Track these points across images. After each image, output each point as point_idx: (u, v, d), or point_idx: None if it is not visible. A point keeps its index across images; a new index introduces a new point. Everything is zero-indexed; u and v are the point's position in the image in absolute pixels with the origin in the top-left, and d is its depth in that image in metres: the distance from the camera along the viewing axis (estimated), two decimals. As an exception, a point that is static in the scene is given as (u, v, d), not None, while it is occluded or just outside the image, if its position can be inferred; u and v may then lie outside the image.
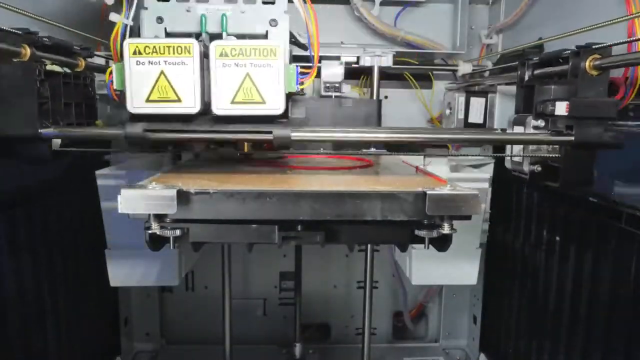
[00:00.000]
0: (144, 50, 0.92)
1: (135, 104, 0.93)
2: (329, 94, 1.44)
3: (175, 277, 1.24)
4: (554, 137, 1.04)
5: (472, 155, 1.50)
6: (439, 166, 1.31)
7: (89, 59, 1.19)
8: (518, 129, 1.17)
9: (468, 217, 0.79)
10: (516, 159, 1.21)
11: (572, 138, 1.00)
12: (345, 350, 2.01)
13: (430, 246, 0.86)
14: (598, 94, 0.99)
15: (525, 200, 1.48)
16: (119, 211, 0.75)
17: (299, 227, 0.85)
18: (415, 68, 1.78)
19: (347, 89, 1.47)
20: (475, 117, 1.61)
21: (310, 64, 1.07)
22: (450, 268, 1.25)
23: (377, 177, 1.06)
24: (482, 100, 1.61)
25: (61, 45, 1.05)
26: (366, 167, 1.16)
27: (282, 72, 0.94)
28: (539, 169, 1.15)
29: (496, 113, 1.58)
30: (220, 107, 0.94)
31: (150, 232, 0.78)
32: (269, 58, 0.93)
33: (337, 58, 1.50)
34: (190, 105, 0.94)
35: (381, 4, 1.74)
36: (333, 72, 1.43)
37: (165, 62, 0.92)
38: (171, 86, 0.93)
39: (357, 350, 1.68)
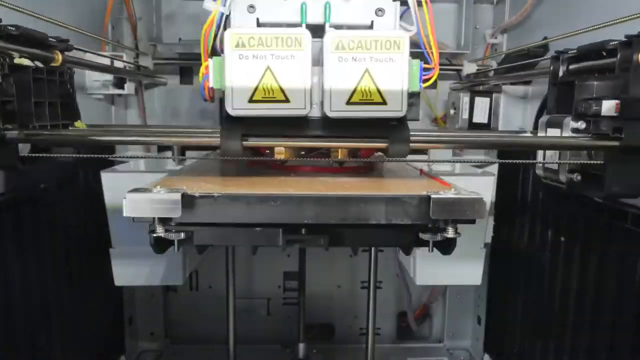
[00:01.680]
0: (249, 42, 0.80)
1: (236, 104, 0.82)
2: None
3: (180, 276, 1.25)
4: (600, 141, 0.89)
5: (489, 161, 1.43)
6: (443, 166, 1.31)
7: (68, 53, 1.06)
8: (552, 132, 1.01)
9: (472, 221, 0.79)
10: (549, 165, 1.06)
11: (621, 142, 0.86)
12: (349, 350, 2.00)
13: (435, 249, 0.86)
14: None
15: (530, 201, 1.47)
16: (124, 214, 0.75)
17: (303, 230, 0.83)
18: (419, 68, 1.77)
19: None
20: (480, 117, 1.61)
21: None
22: (455, 268, 1.24)
23: (382, 179, 1.05)
24: (487, 100, 1.60)
25: (32, 36, 0.92)
26: (371, 167, 1.16)
27: (407, 68, 0.82)
28: (579, 177, 0.98)
29: (501, 113, 1.57)
30: (335, 108, 0.83)
31: (154, 235, 0.78)
32: (392, 51, 0.81)
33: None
34: (301, 106, 0.82)
35: (385, 3, 1.73)
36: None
37: (272, 55, 0.80)
38: (278, 84, 0.81)
39: (361, 350, 1.68)
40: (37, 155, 0.93)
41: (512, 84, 1.62)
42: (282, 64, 0.81)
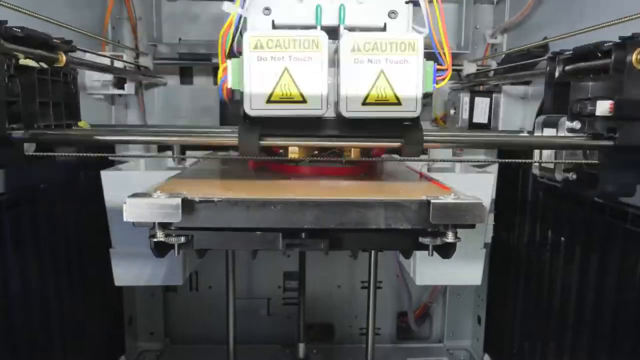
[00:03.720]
0: (267, 44, 0.82)
1: (255, 105, 0.83)
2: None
3: (180, 277, 1.25)
4: (594, 141, 0.91)
5: (490, 161, 1.45)
6: (443, 166, 1.31)
7: (72, 54, 1.08)
8: (549, 132, 1.03)
9: (472, 226, 0.79)
10: (545, 164, 1.07)
11: (615, 142, 0.87)
12: (349, 350, 2.01)
13: (434, 252, 0.86)
14: None
15: (530, 201, 1.48)
16: (124, 219, 0.75)
17: (303, 235, 0.84)
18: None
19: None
20: (480, 117, 1.61)
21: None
22: (455, 268, 1.24)
23: (381, 183, 1.05)
24: (487, 100, 1.60)
25: (36, 37, 0.93)
26: (371, 170, 1.16)
27: (421, 69, 0.84)
28: (574, 176, 1.00)
29: (501, 113, 1.57)
30: (351, 109, 0.84)
31: (155, 240, 0.78)
32: (407, 53, 0.83)
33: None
34: (317, 106, 0.84)
35: (385, 3, 1.73)
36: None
37: (290, 57, 0.82)
38: (295, 85, 0.83)
39: (361, 350, 1.68)
40: (42, 154, 0.94)
41: (512, 84, 1.62)
42: (300, 65, 0.82)
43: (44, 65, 0.96)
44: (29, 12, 0.98)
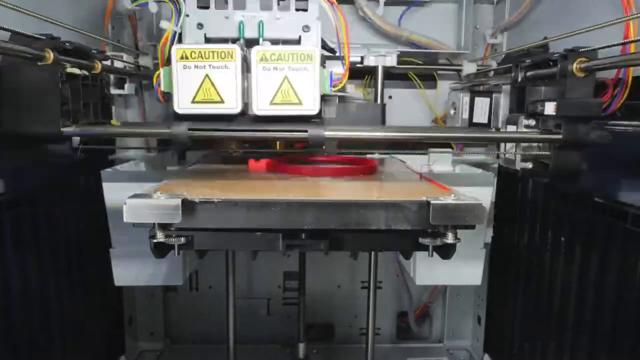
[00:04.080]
0: (190, 55, 0.98)
1: (182, 104, 0.99)
2: (333, 94, 1.44)
3: (180, 277, 1.25)
4: (543, 135, 1.10)
5: (471, 153, 1.55)
6: (443, 166, 1.31)
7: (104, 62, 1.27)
8: (511, 128, 1.25)
9: (472, 227, 0.79)
10: (509, 156, 1.32)
11: (560, 136, 1.06)
12: (349, 350, 2.01)
13: (434, 253, 0.86)
14: (585, 94, 1.05)
15: (530, 201, 1.47)
16: (124, 220, 0.75)
17: (303, 236, 0.85)
18: (419, 68, 1.78)
19: (351, 89, 1.47)
20: (480, 117, 1.61)
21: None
22: (455, 268, 1.24)
23: (381, 184, 1.06)
24: (487, 100, 1.60)
25: (80, 49, 1.12)
26: (371, 171, 1.16)
27: (318, 75, 1.00)
28: (530, 166, 1.24)
29: (501, 113, 1.57)
30: (261, 107, 1.00)
31: (155, 241, 0.78)
32: (305, 62, 0.99)
33: (335, 57, 1.50)
34: (232, 106, 0.99)
35: (385, 3, 1.73)
36: (337, 71, 1.43)
37: (210, 66, 0.98)
38: (215, 88, 0.98)
39: (361, 350, 1.68)
40: (86, 146, 1.17)
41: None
42: (218, 72, 0.98)
43: (85, 73, 1.16)
44: (29, 12, 0.98)
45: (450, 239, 0.81)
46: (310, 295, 1.73)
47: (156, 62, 1.72)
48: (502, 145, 1.32)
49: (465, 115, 1.62)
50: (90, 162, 1.21)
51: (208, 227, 0.80)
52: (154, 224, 0.78)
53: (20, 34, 0.98)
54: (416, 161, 1.32)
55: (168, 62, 1.04)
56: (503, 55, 1.68)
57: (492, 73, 1.66)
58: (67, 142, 1.07)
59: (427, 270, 1.26)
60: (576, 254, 1.22)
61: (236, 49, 0.98)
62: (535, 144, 1.20)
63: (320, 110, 1.04)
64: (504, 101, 1.61)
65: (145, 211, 0.76)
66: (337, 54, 1.17)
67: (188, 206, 0.77)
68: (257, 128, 1.04)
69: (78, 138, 1.14)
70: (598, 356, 1.14)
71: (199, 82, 0.98)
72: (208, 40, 1.15)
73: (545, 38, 1.35)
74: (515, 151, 1.26)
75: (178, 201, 0.76)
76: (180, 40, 1.13)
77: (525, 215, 1.49)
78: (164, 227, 0.79)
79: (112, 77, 1.53)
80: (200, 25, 1.15)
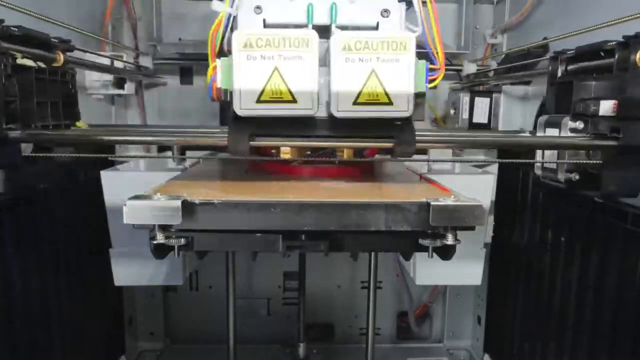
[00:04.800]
0: (256, 43, 0.81)
1: (244, 104, 0.82)
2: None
3: (180, 276, 1.25)
4: (597, 141, 0.90)
5: (489, 161, 1.47)
6: (444, 166, 1.31)
7: (70, 53, 1.07)
8: (551, 132, 1.02)
9: (472, 228, 0.79)
10: (547, 165, 1.07)
11: (618, 142, 0.87)
12: (349, 350, 2.00)
13: (434, 254, 0.86)
14: None
15: (531, 201, 1.47)
16: (124, 222, 0.75)
17: (303, 237, 0.84)
18: (419, 68, 1.77)
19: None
20: (480, 117, 1.61)
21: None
22: (455, 268, 1.24)
23: (381, 185, 1.05)
24: (487, 100, 1.60)
25: (34, 36, 0.93)
26: (371, 173, 1.16)
27: (413, 68, 0.83)
28: (577, 177, 0.99)
29: (501, 113, 1.57)
30: (342, 108, 0.83)
31: (155, 242, 0.78)
32: (398, 52, 0.82)
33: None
34: (308, 106, 0.83)
35: (385, 3, 1.73)
36: None
37: (280, 56, 0.81)
38: (286, 85, 0.82)
39: (361, 350, 1.68)
40: (38, 155, 0.95)
41: (512, 84, 1.62)
42: (290, 64, 0.81)
43: (42, 65, 0.95)
44: (28, 11, 0.98)
45: (450, 240, 0.80)
46: (310, 295, 1.72)
47: (156, 62, 1.73)
48: (539, 152, 1.07)
49: (465, 116, 1.62)
50: (90, 162, 1.21)
51: (208, 228, 0.80)
52: (154, 225, 0.77)
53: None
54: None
55: (220, 54, 0.88)
56: (503, 55, 1.68)
57: (492, 73, 1.66)
58: (14, 147, 0.89)
59: (427, 270, 1.26)
60: (576, 254, 1.22)
61: (314, 36, 0.81)
62: (583, 151, 0.98)
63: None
64: (504, 101, 1.61)
65: (145, 213, 0.75)
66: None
67: (188, 207, 0.76)
68: (338, 135, 0.86)
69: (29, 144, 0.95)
70: (598, 356, 1.14)
71: (267, 76, 0.81)
72: (267, 27, 0.93)
73: (545, 38, 1.35)
74: (558, 159, 1.03)
75: (178, 203, 0.75)
76: (232, 28, 0.91)
77: (525, 216, 1.49)
78: (164, 228, 0.78)
79: (112, 77, 1.53)
80: (258, 9, 0.93)
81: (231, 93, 0.83)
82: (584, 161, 0.96)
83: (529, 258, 1.48)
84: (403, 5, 0.94)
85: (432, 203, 0.77)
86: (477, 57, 1.79)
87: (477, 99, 1.61)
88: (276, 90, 0.82)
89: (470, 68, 1.72)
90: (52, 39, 1.00)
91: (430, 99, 1.84)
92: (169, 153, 1.31)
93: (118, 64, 1.51)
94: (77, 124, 1.09)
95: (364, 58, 0.82)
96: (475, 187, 1.13)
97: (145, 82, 1.78)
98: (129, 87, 1.59)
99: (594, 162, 0.93)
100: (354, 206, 0.79)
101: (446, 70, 1.84)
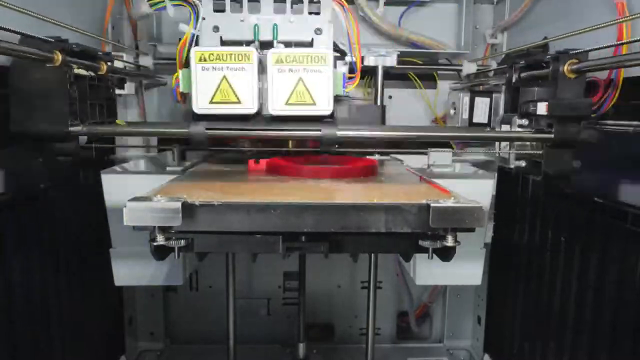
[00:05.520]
0: (209, 57, 1.02)
1: (200, 105, 1.04)
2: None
3: (180, 276, 1.25)
4: (535, 134, 1.14)
5: (471, 153, 1.59)
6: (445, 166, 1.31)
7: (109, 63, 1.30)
8: (506, 128, 1.30)
9: (472, 230, 0.79)
10: (504, 155, 1.40)
11: (552, 135, 1.09)
12: (349, 350, 2.01)
13: (434, 255, 0.86)
14: (575, 95, 1.08)
15: (530, 201, 1.47)
16: (125, 224, 0.75)
17: (303, 238, 0.85)
18: (419, 68, 1.78)
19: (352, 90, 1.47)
20: (480, 117, 1.61)
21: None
22: (455, 268, 1.23)
23: (381, 186, 1.06)
24: (487, 100, 1.61)
25: (87, 51, 1.16)
26: (371, 172, 1.16)
27: (331, 77, 1.04)
28: (523, 164, 1.30)
29: (501, 113, 1.57)
30: (276, 108, 1.05)
31: (155, 244, 0.78)
32: (319, 64, 1.03)
33: (342, 58, 1.50)
34: (249, 106, 1.04)
35: (385, 3, 1.74)
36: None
37: (227, 67, 1.02)
38: (232, 89, 1.03)
39: (361, 350, 1.68)
40: (91, 145, 1.25)
41: (512, 84, 1.62)
42: (235, 74, 1.03)
43: (92, 74, 1.20)
44: (28, 12, 0.98)
45: (450, 241, 0.81)
46: (310, 295, 1.73)
47: (156, 62, 1.73)
48: (498, 144, 1.39)
49: (465, 115, 1.62)
50: (90, 162, 1.21)
51: (208, 230, 0.80)
52: (154, 227, 0.78)
53: (30, 37, 0.98)
54: (412, 161, 1.33)
55: (186, 64, 1.08)
56: (503, 55, 1.68)
57: (492, 73, 1.67)
58: (74, 141, 1.11)
59: (427, 270, 1.26)
60: (576, 253, 1.22)
61: (253, 52, 1.02)
62: (529, 143, 1.24)
63: (334, 111, 1.08)
64: (502, 101, 1.61)
65: (145, 214, 0.76)
66: (347, 56, 1.23)
67: (188, 209, 0.77)
68: (273, 127, 1.07)
69: (85, 137, 1.18)
70: (598, 356, 1.14)
71: (217, 83, 1.02)
72: (223, 42, 1.20)
73: (545, 38, 1.35)
74: (510, 150, 1.33)
75: (178, 204, 0.75)
76: (197, 44, 1.16)
77: (524, 216, 1.49)
78: (164, 230, 0.79)
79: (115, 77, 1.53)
80: (216, 28, 1.20)
81: (189, 96, 1.04)
82: (530, 151, 1.24)
83: (528, 258, 1.48)
84: (331, 26, 1.21)
85: (432, 205, 0.77)
86: (477, 57, 1.79)
87: (477, 99, 1.61)
88: (225, 93, 1.03)
89: (470, 68, 1.72)
90: (99, 52, 1.25)
91: (430, 99, 1.84)
92: (169, 154, 1.32)
93: (118, 64, 1.50)
94: (117, 121, 1.34)
95: (293, 69, 1.04)
96: (475, 187, 1.14)
97: (145, 82, 1.78)
98: (129, 87, 1.59)
99: (537, 152, 1.19)
100: (354, 208, 0.79)
101: (446, 70, 1.87)
